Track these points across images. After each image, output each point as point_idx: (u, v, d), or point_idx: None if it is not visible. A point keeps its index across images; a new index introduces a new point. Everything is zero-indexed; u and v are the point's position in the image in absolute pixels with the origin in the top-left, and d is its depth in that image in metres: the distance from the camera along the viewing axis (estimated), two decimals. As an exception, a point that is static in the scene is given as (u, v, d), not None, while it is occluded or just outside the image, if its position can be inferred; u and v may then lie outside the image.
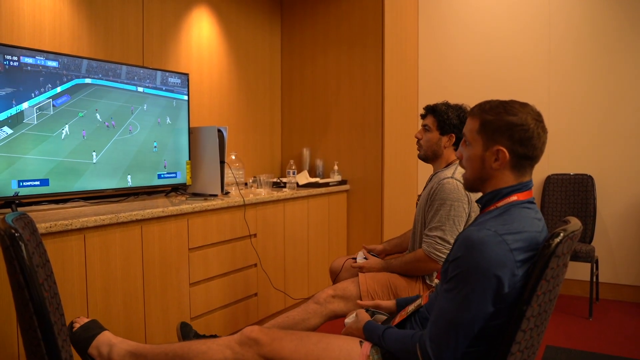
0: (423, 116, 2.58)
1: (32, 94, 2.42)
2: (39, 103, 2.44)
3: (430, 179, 2.55)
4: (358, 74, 4.28)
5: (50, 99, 2.50)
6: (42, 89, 2.46)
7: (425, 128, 2.54)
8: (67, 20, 2.83)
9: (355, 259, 2.71)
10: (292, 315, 2.38)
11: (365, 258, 2.69)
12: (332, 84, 4.41)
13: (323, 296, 2.39)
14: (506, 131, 1.47)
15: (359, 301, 2.17)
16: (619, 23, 4.13)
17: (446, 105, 2.50)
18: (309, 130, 4.54)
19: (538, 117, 1.49)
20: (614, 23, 4.14)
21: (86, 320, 1.95)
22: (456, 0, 4.71)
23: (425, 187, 2.55)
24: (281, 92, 4.67)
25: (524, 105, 1.50)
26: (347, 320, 1.85)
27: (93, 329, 1.91)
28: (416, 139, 2.59)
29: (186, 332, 2.39)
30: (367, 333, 1.68)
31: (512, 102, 1.51)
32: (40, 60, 2.44)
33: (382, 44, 4.16)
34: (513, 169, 1.50)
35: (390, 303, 1.97)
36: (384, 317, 1.91)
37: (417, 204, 2.62)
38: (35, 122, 2.43)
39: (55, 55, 2.51)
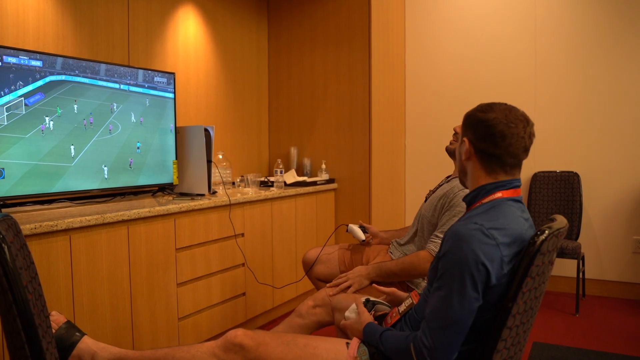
0: None
1: (1, 92, 2.26)
2: (9, 102, 2.30)
3: (448, 179, 2.48)
4: (345, 73, 4.28)
5: (22, 98, 2.35)
6: (13, 87, 2.31)
7: None
8: (51, 19, 2.80)
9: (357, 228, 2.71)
10: (279, 331, 2.35)
11: (364, 229, 2.70)
12: (319, 83, 4.41)
13: (304, 309, 2.34)
14: (472, 126, 1.53)
15: (374, 285, 2.10)
16: (604, 22, 4.17)
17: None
18: (296, 129, 4.54)
19: (514, 120, 1.48)
20: (599, 22, 4.18)
21: (61, 319, 1.86)
22: (443, 0, 4.73)
23: (440, 185, 2.50)
24: (268, 91, 4.66)
25: (507, 108, 1.51)
26: (348, 314, 1.83)
27: (71, 335, 1.83)
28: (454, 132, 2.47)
29: None
30: (367, 335, 1.66)
31: (497, 103, 1.54)
32: (10, 58, 2.29)
33: (369, 43, 4.17)
34: (481, 165, 1.54)
35: (405, 294, 1.95)
36: (387, 309, 1.90)
37: (426, 198, 2.56)
38: (6, 123, 2.29)
39: (26, 52, 2.37)
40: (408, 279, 2.39)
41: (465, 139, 1.56)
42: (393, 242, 2.65)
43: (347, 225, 2.80)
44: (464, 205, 2.25)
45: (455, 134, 2.44)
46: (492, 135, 1.48)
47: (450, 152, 2.48)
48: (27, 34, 2.68)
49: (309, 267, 2.81)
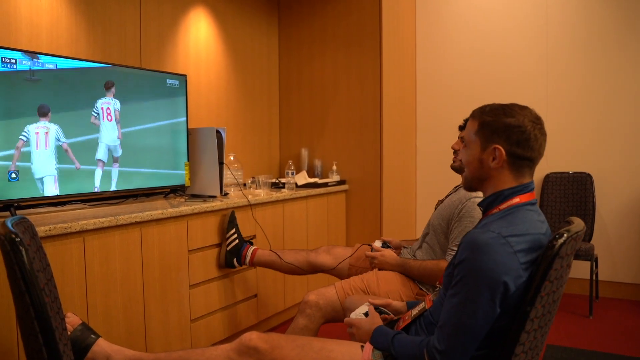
0: (462, 128, 2.51)
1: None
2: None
3: (456, 189, 2.51)
4: (356, 74, 4.27)
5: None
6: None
7: (463, 140, 2.51)
8: (64, 22, 2.82)
9: (370, 245, 2.73)
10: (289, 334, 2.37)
11: (387, 245, 2.69)
12: (330, 84, 4.40)
13: (308, 306, 2.37)
14: (503, 132, 1.49)
15: (370, 299, 2.14)
16: (616, 21, 4.13)
17: None
18: (307, 131, 4.53)
19: (536, 120, 1.50)
20: (611, 21, 4.15)
21: (77, 321, 1.88)
22: (453, -1, 4.71)
23: (449, 195, 2.52)
24: (279, 92, 4.66)
25: (523, 108, 1.52)
26: (353, 315, 1.83)
27: (86, 337, 1.85)
28: (453, 150, 2.53)
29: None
30: (377, 338, 1.64)
31: (511, 105, 1.53)
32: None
33: (379, 44, 4.16)
34: (512, 170, 1.51)
35: (400, 304, 1.95)
36: (389, 317, 1.89)
37: (436, 207, 2.60)
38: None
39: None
40: (423, 282, 2.45)
41: (498, 146, 1.49)
42: (407, 248, 2.69)
43: (371, 246, 2.77)
44: (472, 215, 2.27)
45: (465, 144, 2.46)
46: (527, 140, 1.48)
47: (458, 169, 2.51)
48: (41, 37, 2.70)
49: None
